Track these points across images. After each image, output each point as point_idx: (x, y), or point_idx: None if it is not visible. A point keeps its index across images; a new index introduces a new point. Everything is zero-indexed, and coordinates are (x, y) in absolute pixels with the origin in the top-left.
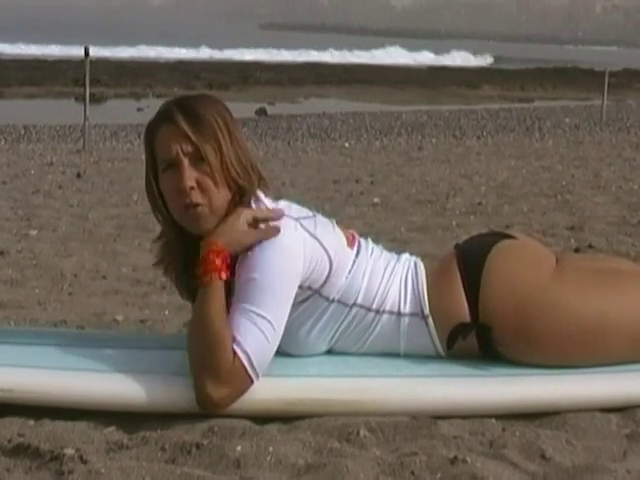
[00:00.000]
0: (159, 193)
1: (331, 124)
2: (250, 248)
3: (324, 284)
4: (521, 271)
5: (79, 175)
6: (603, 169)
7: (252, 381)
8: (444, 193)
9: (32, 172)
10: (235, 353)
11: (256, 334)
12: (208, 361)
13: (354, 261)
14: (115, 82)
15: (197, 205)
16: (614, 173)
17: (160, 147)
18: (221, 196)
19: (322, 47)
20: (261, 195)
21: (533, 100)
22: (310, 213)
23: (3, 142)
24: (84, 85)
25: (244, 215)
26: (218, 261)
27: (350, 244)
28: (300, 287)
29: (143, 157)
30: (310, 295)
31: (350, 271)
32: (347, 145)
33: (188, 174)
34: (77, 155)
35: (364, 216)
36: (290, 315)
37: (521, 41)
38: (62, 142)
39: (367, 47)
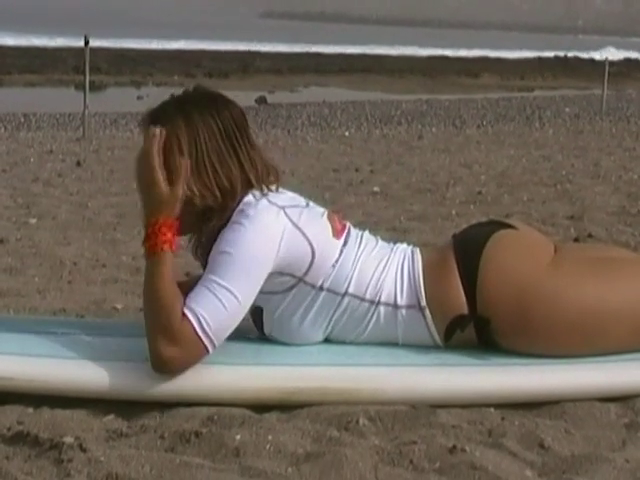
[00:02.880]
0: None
1: (331, 113)
2: (228, 225)
3: (307, 272)
4: (519, 261)
5: (79, 163)
6: (603, 158)
7: (204, 345)
8: (444, 182)
9: (32, 160)
10: (185, 315)
11: (212, 301)
12: (157, 323)
13: (341, 250)
14: (115, 70)
15: None
16: (614, 163)
17: None
18: (187, 214)
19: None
20: (254, 193)
21: (533, 89)
22: (302, 203)
23: (3, 130)
24: (84, 73)
25: (150, 172)
26: (160, 235)
27: (337, 234)
28: (281, 274)
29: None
30: (295, 283)
31: (337, 260)
32: (347, 134)
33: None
34: (77, 143)
35: (364, 205)
36: (280, 304)
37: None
38: (62, 130)
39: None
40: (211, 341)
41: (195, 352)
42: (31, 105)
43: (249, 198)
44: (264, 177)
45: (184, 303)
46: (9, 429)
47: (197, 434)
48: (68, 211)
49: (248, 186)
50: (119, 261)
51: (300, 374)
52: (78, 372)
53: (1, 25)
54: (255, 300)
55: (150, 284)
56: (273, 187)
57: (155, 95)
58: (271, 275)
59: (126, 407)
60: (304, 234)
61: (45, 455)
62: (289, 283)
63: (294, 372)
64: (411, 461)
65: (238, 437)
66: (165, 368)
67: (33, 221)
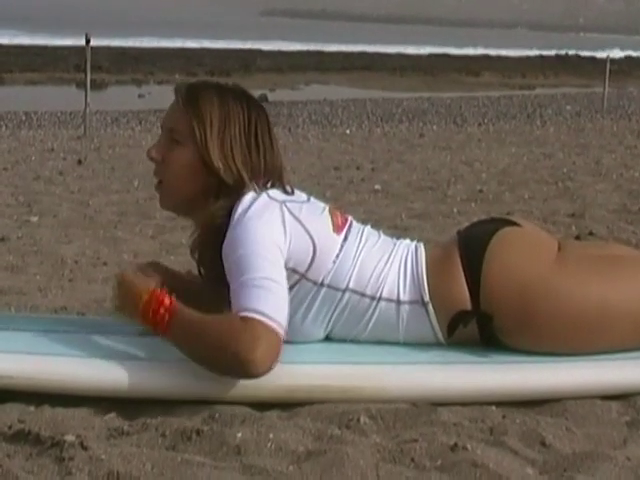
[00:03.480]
0: None
1: (332, 111)
2: (231, 227)
3: (309, 267)
4: (522, 259)
5: (80, 162)
6: (604, 156)
7: (276, 331)
8: (445, 180)
9: (33, 158)
10: (242, 318)
11: (255, 292)
12: (225, 349)
13: (342, 246)
14: (116, 68)
15: (155, 177)
16: (615, 160)
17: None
18: (190, 182)
19: (323, 34)
20: (254, 187)
21: (534, 87)
22: (303, 197)
23: (4, 128)
24: (85, 71)
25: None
26: (161, 310)
27: (337, 229)
28: (286, 268)
29: (144, 143)
30: (297, 280)
31: (338, 255)
32: (348, 132)
33: (157, 146)
34: (78, 141)
35: (365, 203)
36: None
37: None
38: (63, 128)
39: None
40: (279, 324)
41: (274, 340)
42: (32, 103)
43: (250, 195)
44: (274, 177)
45: (233, 313)
46: (10, 427)
47: (198, 432)
48: (69, 209)
49: (259, 179)
50: (120, 259)
51: (301, 372)
52: (79, 370)
53: (2, 23)
54: None
55: (190, 338)
56: (277, 185)
57: (156, 93)
58: None
59: (127, 405)
60: (305, 228)
61: (46, 453)
62: (292, 280)
63: (295, 370)
64: (412, 459)
65: (239, 435)
66: (261, 370)
67: (34, 219)
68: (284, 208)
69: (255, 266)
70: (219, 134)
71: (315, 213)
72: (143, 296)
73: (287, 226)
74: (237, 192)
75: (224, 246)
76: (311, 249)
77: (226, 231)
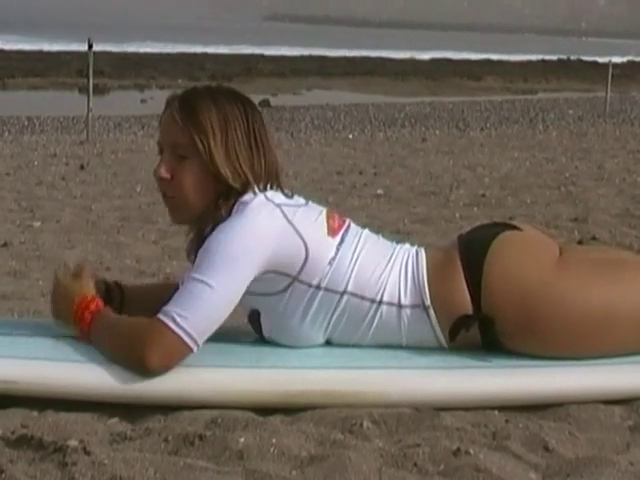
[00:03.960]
0: None
1: (334, 115)
2: (223, 224)
3: (301, 270)
4: (524, 263)
5: (82, 167)
6: (607, 161)
7: (183, 341)
8: (447, 185)
9: (35, 164)
10: (157, 317)
11: (187, 296)
12: (126, 342)
13: (337, 249)
14: (118, 73)
15: (166, 196)
16: (617, 165)
17: (160, 130)
18: (199, 194)
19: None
20: (254, 190)
21: (536, 92)
22: (301, 201)
23: (7, 134)
24: (87, 76)
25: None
26: (85, 313)
27: (333, 232)
28: (275, 272)
29: (147, 148)
30: (290, 282)
31: (333, 258)
32: (351, 137)
33: (164, 165)
34: (80, 147)
35: (367, 207)
36: (277, 305)
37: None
38: (65, 134)
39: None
40: (190, 335)
41: (174, 345)
42: (35, 108)
43: (248, 195)
44: (273, 176)
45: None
46: (13, 432)
47: (201, 437)
48: (72, 214)
49: (260, 179)
50: (123, 264)
51: (304, 377)
52: (82, 375)
53: (4, 28)
54: (251, 303)
55: (108, 335)
56: (275, 188)
57: (159, 98)
58: (265, 274)
59: (130, 410)
60: (298, 232)
61: (49, 458)
62: (284, 283)
63: (298, 375)
64: (415, 464)
65: (242, 440)
66: (151, 370)
67: (37, 224)
68: (278, 211)
69: (211, 267)
70: (222, 142)
71: (310, 217)
72: (76, 302)
73: (277, 230)
74: (240, 192)
75: (212, 235)
76: (303, 252)
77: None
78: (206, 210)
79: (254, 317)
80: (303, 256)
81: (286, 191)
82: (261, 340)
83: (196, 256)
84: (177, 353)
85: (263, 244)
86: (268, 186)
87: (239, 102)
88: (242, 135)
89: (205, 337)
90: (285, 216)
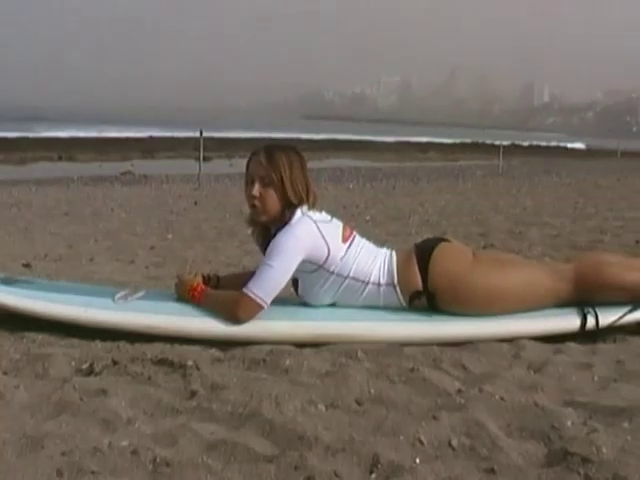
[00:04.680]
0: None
1: (342, 174)
2: (284, 229)
3: (325, 262)
4: (452, 260)
5: (196, 203)
6: (499, 200)
7: (257, 302)
8: (407, 214)
9: (169, 201)
10: (243, 292)
11: (260, 276)
12: (226, 308)
13: (346, 251)
14: (217, 149)
15: (255, 207)
16: (505, 203)
17: (249, 169)
18: (275, 206)
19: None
20: (304, 208)
21: (459, 160)
22: (328, 218)
23: (153, 184)
24: (199, 150)
25: (183, 286)
26: (195, 293)
27: (345, 240)
28: (310, 262)
29: (233, 192)
30: (317, 268)
31: (343, 257)
32: (351, 186)
33: (255, 189)
34: (195, 191)
35: (360, 227)
36: (308, 279)
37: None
38: (186, 184)
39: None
40: (261, 299)
41: (253, 308)
42: (169, 169)
43: (298, 214)
44: (313, 198)
45: (246, 285)
46: (156, 356)
47: (264, 360)
48: (190, 230)
49: (307, 200)
50: (218, 260)
51: (323, 325)
52: (196, 323)
53: (156, 123)
54: (294, 275)
55: (212, 303)
56: (313, 207)
57: (239, 165)
58: (304, 262)
59: (222, 344)
60: (325, 239)
61: (177, 371)
62: (313, 267)
63: (319, 324)
64: (388, 377)
65: (287, 362)
66: (241, 321)
67: (170, 236)
68: (314, 226)
69: (276, 256)
70: (290, 177)
71: (332, 229)
72: (189, 288)
73: (313, 237)
74: (295, 207)
75: (274, 239)
76: (326, 252)
77: (280, 229)
78: (276, 216)
79: (295, 282)
80: (326, 254)
81: (319, 210)
82: (297, 303)
83: (266, 248)
84: (254, 310)
85: (304, 245)
86: (310, 205)
87: (295, 152)
88: (299, 173)
89: (271, 298)
90: (318, 228)
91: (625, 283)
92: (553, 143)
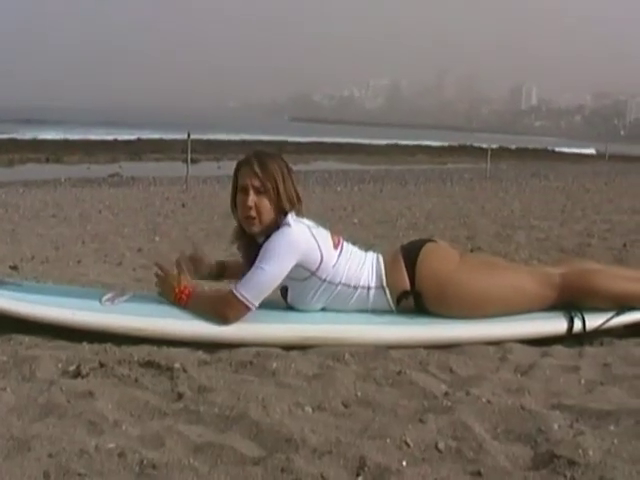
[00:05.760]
0: (235, 205)
1: (329, 177)
2: (274, 234)
3: (317, 270)
4: (439, 262)
5: (183, 205)
6: (486, 204)
7: (246, 305)
8: (395, 217)
9: (157, 203)
10: (231, 291)
11: (250, 278)
12: (213, 309)
13: (338, 257)
14: (205, 151)
15: (251, 217)
16: (493, 206)
17: (240, 178)
18: (270, 215)
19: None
20: (294, 214)
21: (447, 164)
22: (313, 224)
23: (140, 186)
24: (187, 153)
25: (167, 287)
26: (182, 296)
27: (335, 247)
28: (302, 267)
29: (221, 195)
30: (309, 275)
31: (335, 264)
32: (339, 189)
33: (251, 199)
34: (182, 193)
35: (348, 230)
36: (298, 287)
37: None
38: (174, 186)
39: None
40: (249, 301)
41: (240, 309)
42: (157, 171)
43: (289, 218)
44: (299, 204)
45: (235, 285)
46: (143, 358)
47: (251, 363)
48: (177, 232)
49: (297, 207)
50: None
51: (311, 328)
52: (180, 326)
53: (144, 124)
54: (284, 283)
55: (199, 305)
56: (299, 213)
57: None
58: (296, 267)
59: (210, 346)
60: (318, 244)
61: (164, 374)
62: (306, 275)
63: (306, 327)
64: (375, 379)
65: (274, 365)
66: (228, 323)
67: (157, 238)
68: (308, 230)
69: (268, 259)
70: (284, 185)
71: (324, 236)
72: (174, 288)
73: (307, 242)
74: (286, 213)
75: (267, 242)
76: (319, 257)
77: (269, 235)
78: (269, 225)
79: (283, 290)
80: (319, 260)
81: (304, 216)
82: (285, 307)
83: (253, 261)
84: (241, 312)
85: (298, 249)
86: (297, 211)
87: (282, 159)
88: (290, 181)
89: (260, 300)
90: (312, 234)
91: (612, 292)
92: (549, 147)
